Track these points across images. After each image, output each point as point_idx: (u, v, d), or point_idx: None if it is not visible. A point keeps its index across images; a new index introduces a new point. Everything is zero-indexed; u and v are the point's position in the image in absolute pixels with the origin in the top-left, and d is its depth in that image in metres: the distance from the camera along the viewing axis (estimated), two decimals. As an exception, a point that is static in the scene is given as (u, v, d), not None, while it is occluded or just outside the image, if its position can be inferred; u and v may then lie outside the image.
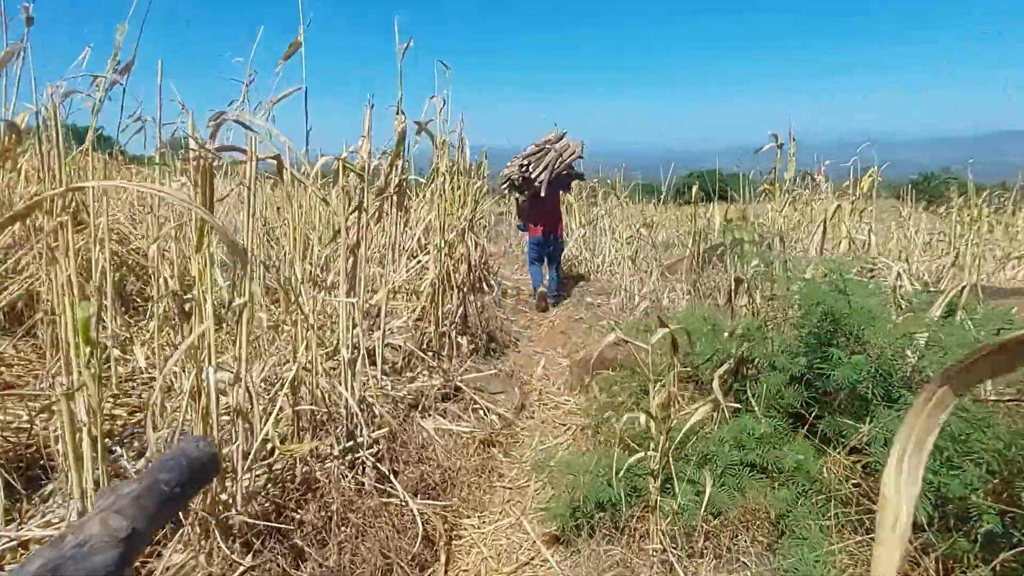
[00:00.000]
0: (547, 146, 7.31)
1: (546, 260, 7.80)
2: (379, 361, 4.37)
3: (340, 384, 3.31)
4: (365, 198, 3.44)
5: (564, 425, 4.52)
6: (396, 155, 5.10)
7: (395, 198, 5.01)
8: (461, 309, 5.55)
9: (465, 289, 5.61)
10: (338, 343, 3.54)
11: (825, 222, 6.97)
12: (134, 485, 1.43)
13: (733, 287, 3.60)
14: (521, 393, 4.89)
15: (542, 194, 7.11)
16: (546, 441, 4.30)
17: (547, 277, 7.84)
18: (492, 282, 8.21)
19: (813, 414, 2.83)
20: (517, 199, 7.82)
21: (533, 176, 7.16)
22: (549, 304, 7.58)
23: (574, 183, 8.31)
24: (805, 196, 9.55)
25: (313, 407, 3.14)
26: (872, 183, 8.89)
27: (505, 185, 8.03)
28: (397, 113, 4.99)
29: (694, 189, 8.58)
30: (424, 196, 5.65)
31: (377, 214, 5.46)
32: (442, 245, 5.06)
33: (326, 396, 3.26)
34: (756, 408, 2.94)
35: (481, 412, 4.43)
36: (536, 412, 4.80)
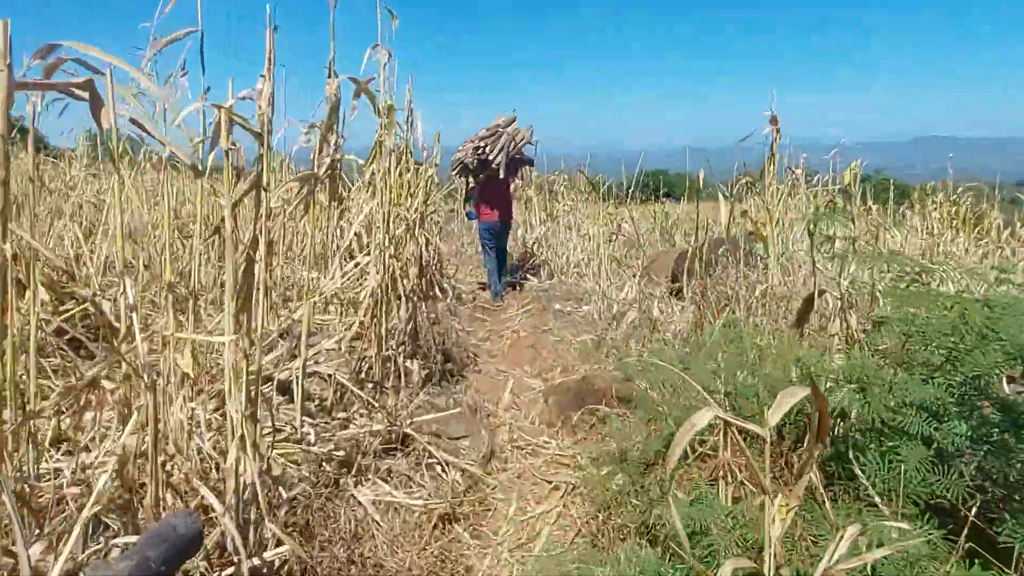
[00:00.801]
0: (499, 129, 6.91)
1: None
2: (299, 400, 3.13)
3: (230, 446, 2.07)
4: (264, 172, 2.21)
5: (548, 482, 3.37)
6: (328, 128, 3.95)
7: (327, 184, 3.83)
8: (411, 323, 4.34)
9: (415, 298, 4.40)
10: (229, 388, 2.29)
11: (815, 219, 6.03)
12: (124, 563, 1.40)
13: (803, 304, 2.53)
14: (489, 435, 3.72)
15: (501, 175, 6.79)
16: (527, 507, 3.16)
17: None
18: (446, 286, 7.00)
19: (973, 507, 1.77)
20: (468, 184, 7.31)
21: (491, 158, 6.75)
22: (503, 300, 7.44)
23: (524, 169, 8.06)
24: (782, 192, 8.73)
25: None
26: (855, 177, 8.09)
27: (457, 169, 7.36)
28: (329, 75, 3.82)
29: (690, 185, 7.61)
30: (364, 181, 4.40)
31: (304, 204, 4.26)
32: (386, 244, 3.84)
33: (191, 478, 2.02)
34: (873, 494, 1.86)
35: (439, 468, 3.24)
36: (509, 459, 3.65)
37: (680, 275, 6.03)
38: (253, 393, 2.20)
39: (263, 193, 2.18)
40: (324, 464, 3.01)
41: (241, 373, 2.11)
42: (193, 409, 2.59)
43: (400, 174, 4.47)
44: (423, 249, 5.85)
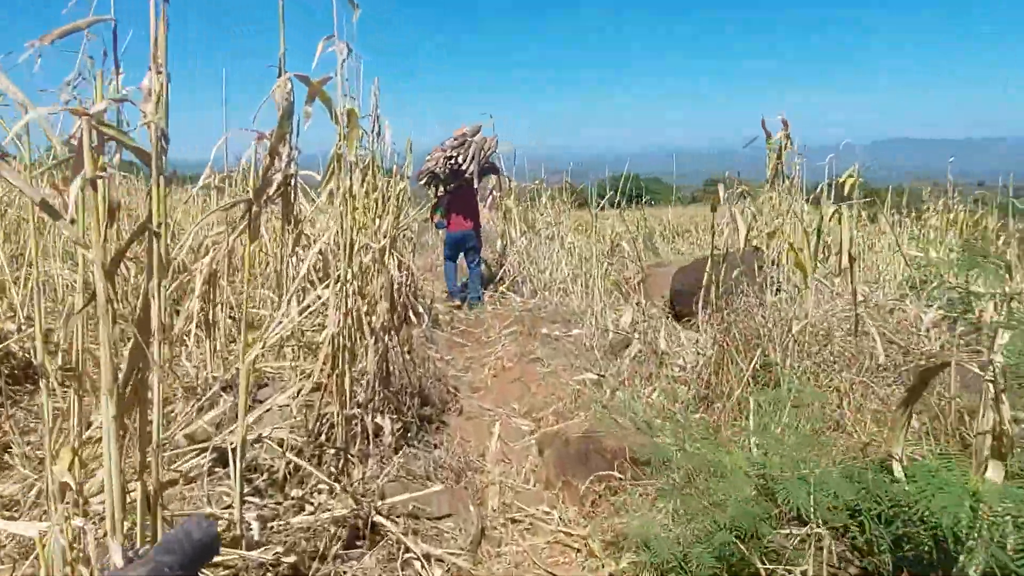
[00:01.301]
0: (467, 138, 6.81)
1: (464, 256, 7.45)
2: (237, 488, 2.43)
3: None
4: (157, 208, 1.51)
5: (553, 575, 2.70)
6: (279, 138, 3.28)
7: (279, 205, 3.20)
8: (382, 367, 3.65)
9: (387, 337, 3.71)
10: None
11: (819, 231, 5.49)
12: (139, 570, 1.26)
13: (918, 379, 1.87)
14: (477, 512, 3.05)
15: (476, 185, 6.79)
16: (530, 615, 2.49)
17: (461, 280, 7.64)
18: (421, 309, 6.30)
19: None
20: (436, 195, 7.01)
21: (465, 167, 6.65)
22: (463, 305, 7.36)
23: (502, 178, 8.13)
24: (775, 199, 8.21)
25: None
26: (854, 184, 7.58)
27: (425, 179, 7.06)
28: (280, 73, 3.15)
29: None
30: (323, 200, 3.70)
31: (251, 229, 3.57)
32: (348, 277, 3.15)
33: None
34: None
35: (418, 564, 2.56)
36: (504, 540, 2.97)
37: (681, 297, 5.42)
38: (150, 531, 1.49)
39: (156, 240, 1.48)
40: (270, 572, 2.31)
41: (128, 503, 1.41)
42: (82, 529, 1.87)
43: (367, 192, 3.78)
44: (395, 276, 5.16)
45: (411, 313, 6.19)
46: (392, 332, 4.14)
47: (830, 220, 5.50)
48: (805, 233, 3.53)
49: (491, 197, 9.35)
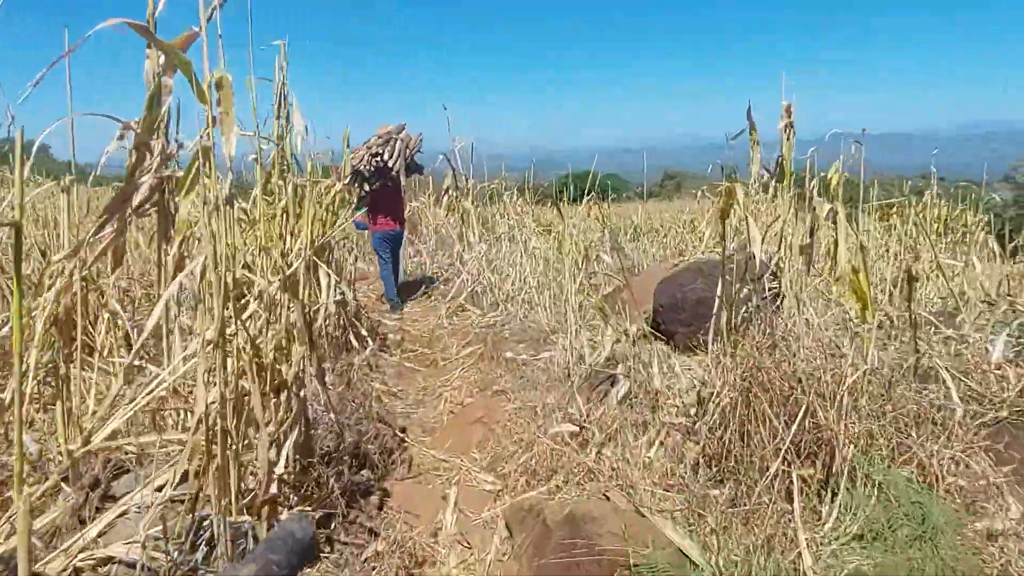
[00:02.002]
0: (392, 136, 6.59)
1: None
2: None
3: None
4: None
5: None
6: (148, 128, 2.42)
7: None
8: (295, 434, 2.68)
9: (304, 392, 2.75)
10: None
11: (813, 231, 4.73)
12: (250, 567, 1.45)
13: None
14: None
15: (402, 182, 6.65)
16: None
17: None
18: (365, 331, 5.33)
19: None
20: (360, 193, 6.69)
21: (391, 164, 6.42)
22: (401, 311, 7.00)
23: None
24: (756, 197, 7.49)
25: None
26: (839, 180, 6.88)
27: (350, 178, 6.60)
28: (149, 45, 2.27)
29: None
30: (185, 214, 2.69)
31: (112, 253, 2.72)
32: (218, 342, 2.16)
33: None
34: None
35: None
36: None
37: (665, 313, 4.58)
38: None
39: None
40: None
41: None
42: None
43: (273, 198, 2.80)
44: (327, 300, 4.18)
45: (352, 337, 5.23)
46: (318, 375, 3.19)
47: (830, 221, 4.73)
48: (861, 248, 2.69)
49: (446, 197, 8.40)
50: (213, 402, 2.01)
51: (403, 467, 3.78)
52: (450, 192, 8.06)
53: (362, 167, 6.40)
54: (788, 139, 4.26)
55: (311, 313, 3.13)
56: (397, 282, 7.08)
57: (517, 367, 4.90)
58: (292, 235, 2.76)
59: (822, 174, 7.22)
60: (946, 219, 7.69)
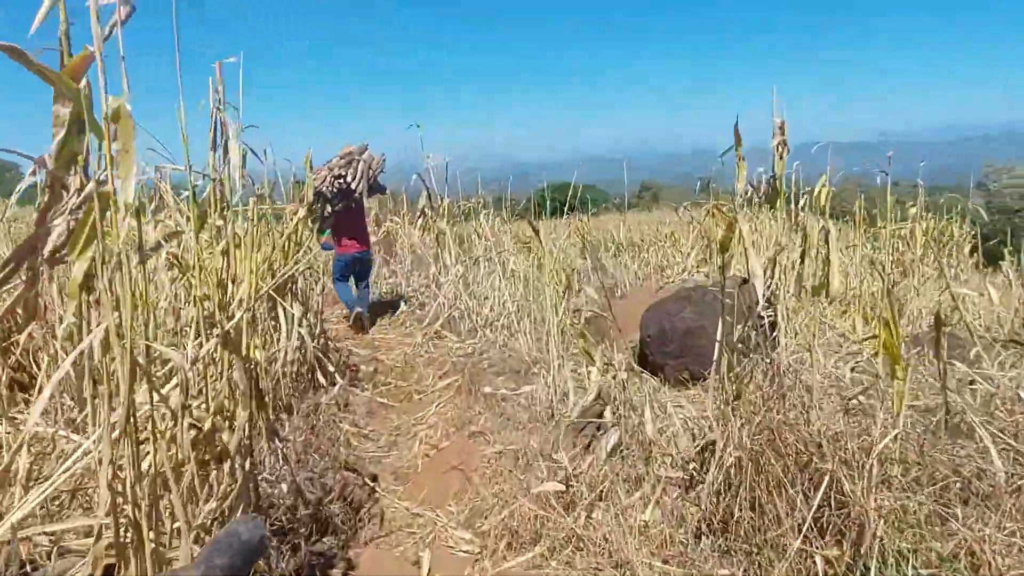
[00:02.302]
0: (353, 156, 6.45)
1: (354, 278, 7.02)
2: None
3: None
4: None
5: None
6: (63, 162, 2.01)
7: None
8: (242, 507, 2.31)
9: (252, 458, 2.37)
10: None
11: (805, 251, 4.48)
12: (192, 572, 1.36)
13: None
14: None
15: (365, 203, 6.63)
16: None
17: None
18: (332, 367, 4.94)
19: None
20: (323, 215, 6.47)
21: (354, 186, 6.33)
22: (367, 324, 6.88)
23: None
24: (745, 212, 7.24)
25: None
26: (827, 195, 6.68)
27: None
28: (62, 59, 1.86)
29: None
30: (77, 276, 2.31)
31: (26, 306, 2.33)
32: (126, 428, 1.79)
33: None
34: None
35: None
36: None
37: (653, 344, 4.27)
38: None
39: None
40: None
41: None
42: None
43: (209, 241, 2.43)
44: (288, 342, 3.83)
45: (320, 374, 4.85)
46: (270, 434, 2.81)
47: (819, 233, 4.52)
48: (888, 294, 2.38)
49: (420, 217, 8.06)
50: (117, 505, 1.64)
51: (372, 525, 3.41)
52: (425, 212, 7.71)
53: (325, 188, 6.25)
54: (781, 157, 4.00)
55: (261, 365, 2.76)
56: (366, 300, 6.98)
57: (496, 403, 4.56)
58: (234, 282, 2.40)
59: (808, 189, 7.03)
60: (932, 232, 7.53)
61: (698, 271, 6.40)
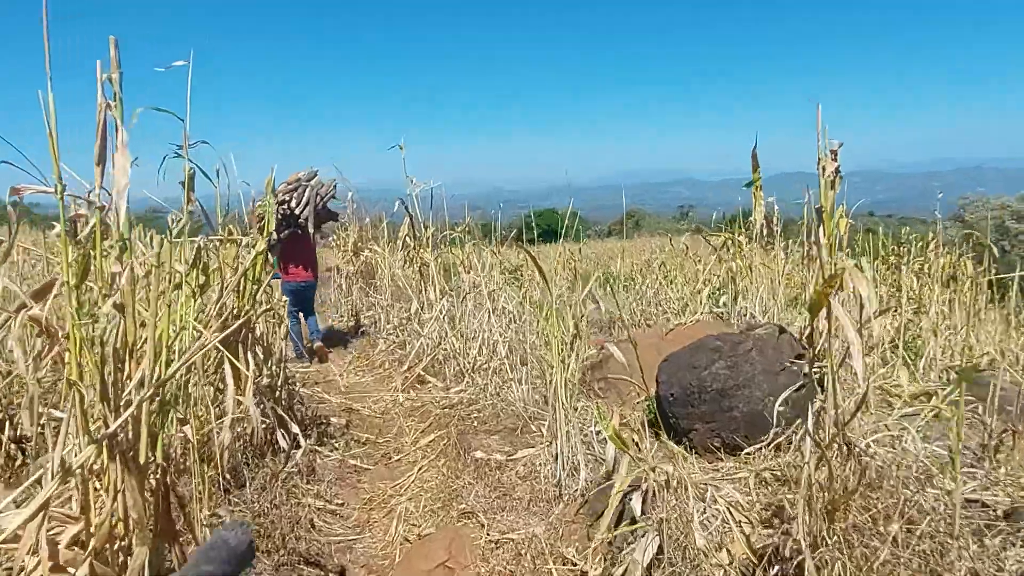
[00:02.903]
0: (301, 183, 6.29)
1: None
2: None
3: None
4: None
5: None
6: None
7: None
8: None
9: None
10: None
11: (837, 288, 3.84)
12: None
13: None
14: None
15: (310, 231, 6.33)
16: None
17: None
18: (296, 428, 4.14)
19: None
20: (269, 241, 5.85)
21: (298, 212, 6.18)
22: (327, 351, 6.72)
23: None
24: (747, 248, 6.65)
25: None
26: (847, 228, 6.08)
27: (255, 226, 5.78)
28: None
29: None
30: None
31: None
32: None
33: None
34: None
35: None
36: None
37: (677, 404, 3.58)
38: None
39: None
40: None
41: None
42: None
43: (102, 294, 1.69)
44: (228, 402, 3.08)
45: (282, 434, 4.07)
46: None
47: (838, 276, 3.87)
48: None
49: (403, 248, 7.33)
50: None
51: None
52: (407, 241, 6.99)
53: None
54: (833, 188, 3.36)
55: (171, 469, 2.00)
56: (317, 329, 6.82)
57: (490, 471, 3.81)
58: (132, 357, 1.65)
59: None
60: (946, 268, 6.98)
61: (711, 312, 5.74)
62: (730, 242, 5.51)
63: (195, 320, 3.21)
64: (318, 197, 6.26)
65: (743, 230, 6.07)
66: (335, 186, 6.55)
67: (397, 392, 5.62)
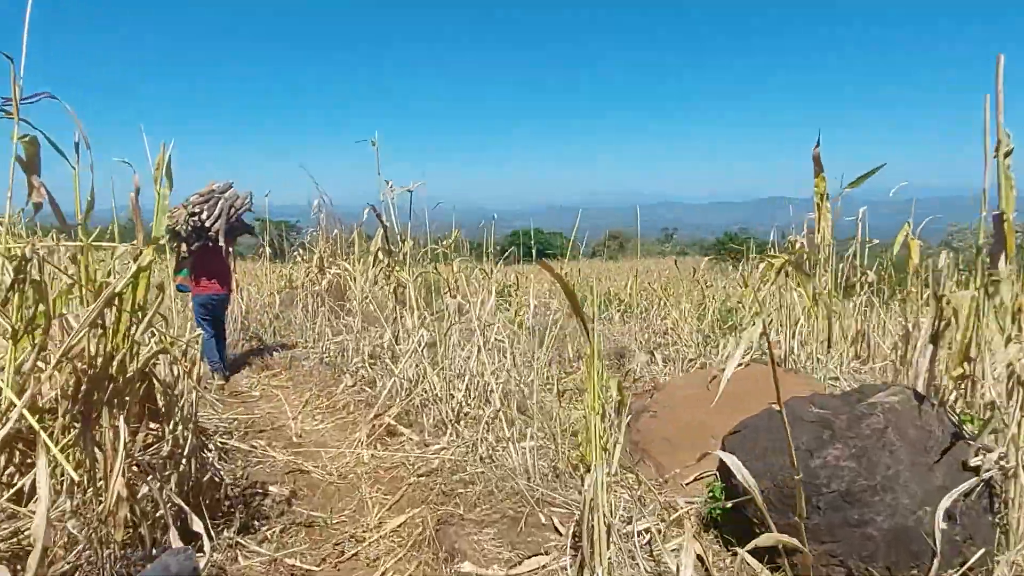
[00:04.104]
0: (215, 194, 5.90)
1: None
2: None
3: None
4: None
5: None
6: None
7: None
8: None
9: None
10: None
11: (938, 332, 2.74)
12: None
13: None
14: None
15: (221, 243, 5.89)
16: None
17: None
18: (197, 520, 2.81)
19: None
20: (179, 254, 6.21)
21: (209, 224, 5.75)
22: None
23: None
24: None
25: None
26: (918, 250, 4.96)
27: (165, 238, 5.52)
28: None
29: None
30: None
31: None
32: None
33: None
34: None
35: None
36: None
37: (776, 507, 2.34)
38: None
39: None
40: None
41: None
42: None
43: None
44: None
45: (175, 536, 2.76)
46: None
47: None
48: None
49: (375, 263, 6.06)
50: None
51: None
52: (378, 256, 5.73)
53: (179, 227, 5.78)
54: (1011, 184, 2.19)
55: None
56: (223, 349, 6.34)
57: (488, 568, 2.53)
58: None
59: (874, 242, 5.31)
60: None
61: (758, 356, 4.46)
62: (780, 267, 4.30)
63: (19, 373, 1.94)
64: (232, 209, 5.96)
65: (786, 252, 4.90)
66: (250, 198, 6.20)
67: (361, 446, 4.32)
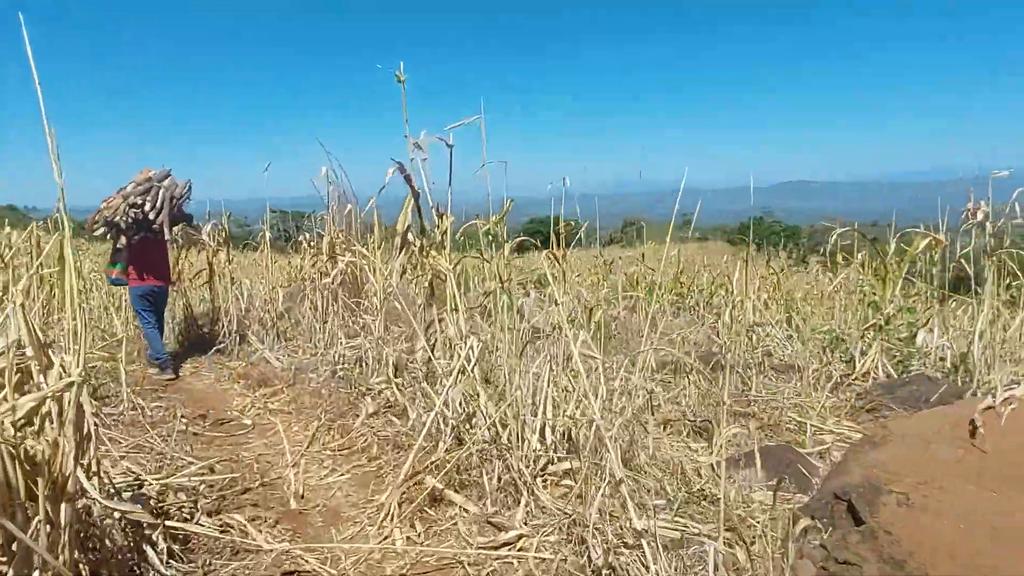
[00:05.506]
0: (153, 184, 5.35)
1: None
2: None
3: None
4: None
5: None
6: None
7: None
8: None
9: None
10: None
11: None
12: None
13: None
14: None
15: (167, 236, 5.50)
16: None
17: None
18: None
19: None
20: (116, 245, 5.56)
21: (153, 217, 5.24)
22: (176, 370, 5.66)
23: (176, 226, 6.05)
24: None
25: None
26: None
27: (102, 229, 5.40)
28: None
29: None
30: None
31: None
32: None
33: None
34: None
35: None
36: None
37: None
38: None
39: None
40: None
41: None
42: None
43: None
44: None
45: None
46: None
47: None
48: None
49: (403, 248, 4.48)
50: None
51: None
52: (408, 240, 4.17)
53: (118, 219, 5.28)
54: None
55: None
56: (165, 355, 5.62)
57: None
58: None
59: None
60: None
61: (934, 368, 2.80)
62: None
63: None
64: (172, 199, 5.49)
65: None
66: (189, 186, 5.71)
67: (392, 521, 2.77)
